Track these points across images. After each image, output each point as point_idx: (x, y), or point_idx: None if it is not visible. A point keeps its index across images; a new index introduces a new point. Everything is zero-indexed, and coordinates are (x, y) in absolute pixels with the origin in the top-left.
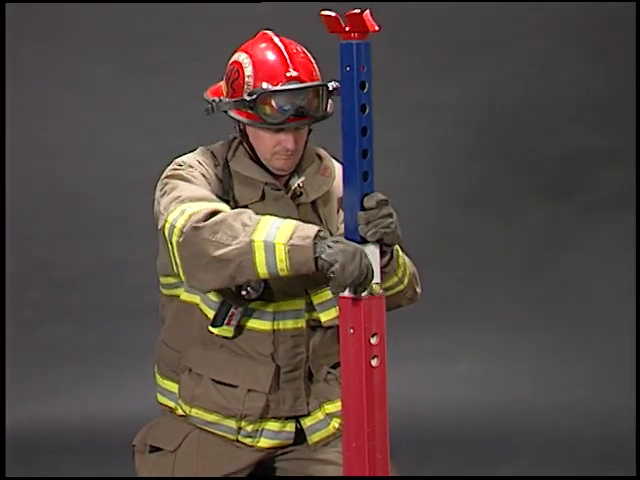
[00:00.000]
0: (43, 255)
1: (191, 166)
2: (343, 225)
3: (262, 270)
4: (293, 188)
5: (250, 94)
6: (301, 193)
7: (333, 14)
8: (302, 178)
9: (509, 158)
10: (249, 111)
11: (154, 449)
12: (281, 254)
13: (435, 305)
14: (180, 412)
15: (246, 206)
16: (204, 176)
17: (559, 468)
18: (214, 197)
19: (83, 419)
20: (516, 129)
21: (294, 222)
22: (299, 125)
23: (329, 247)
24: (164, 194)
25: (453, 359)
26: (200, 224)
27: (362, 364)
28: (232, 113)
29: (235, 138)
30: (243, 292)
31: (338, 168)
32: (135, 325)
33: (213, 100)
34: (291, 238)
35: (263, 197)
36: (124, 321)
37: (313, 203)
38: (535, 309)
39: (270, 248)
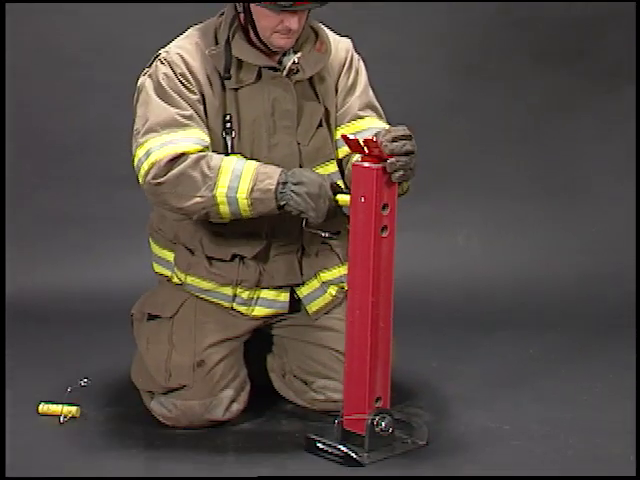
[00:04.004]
0: (43, 124)
1: (172, 66)
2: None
3: (228, 217)
4: (288, 65)
5: None
6: (297, 70)
7: None
8: (298, 54)
9: (509, 25)
10: None
11: (152, 317)
12: (244, 206)
13: (434, 173)
14: (176, 280)
15: (242, 87)
16: (181, 80)
17: (559, 334)
18: (180, 116)
19: (83, 288)
20: None
21: (254, 167)
22: (308, 8)
23: (293, 193)
24: (138, 103)
25: (452, 227)
26: (161, 179)
27: (371, 233)
28: None
29: (235, 15)
30: None
31: (335, 43)
32: (135, 195)
33: None
34: (252, 191)
35: (259, 77)
36: (124, 191)
37: (310, 80)
38: (535, 178)
39: (233, 202)
